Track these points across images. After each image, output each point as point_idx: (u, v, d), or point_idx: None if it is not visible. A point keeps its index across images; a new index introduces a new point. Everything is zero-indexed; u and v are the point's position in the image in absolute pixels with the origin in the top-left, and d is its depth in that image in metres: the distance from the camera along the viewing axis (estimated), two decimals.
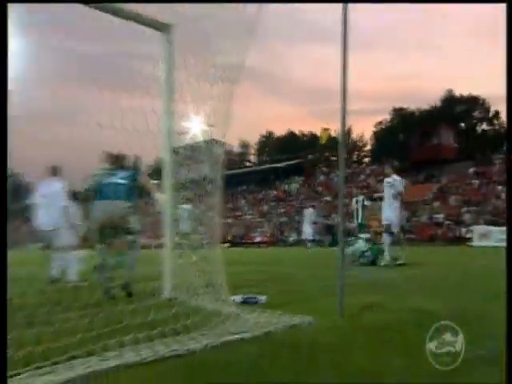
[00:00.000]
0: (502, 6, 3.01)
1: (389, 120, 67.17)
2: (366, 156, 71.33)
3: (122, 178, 5.66)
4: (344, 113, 3.98)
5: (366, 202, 16.08)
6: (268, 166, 58.67)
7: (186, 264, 5.14)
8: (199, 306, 4.46)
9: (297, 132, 76.77)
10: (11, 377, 2.53)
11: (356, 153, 70.93)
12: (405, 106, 65.40)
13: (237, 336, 3.32)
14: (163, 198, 5.42)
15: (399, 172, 13.00)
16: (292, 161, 54.77)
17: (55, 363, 2.78)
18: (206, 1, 4.09)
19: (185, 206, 5.86)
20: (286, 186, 51.33)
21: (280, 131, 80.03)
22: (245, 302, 4.83)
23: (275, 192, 50.51)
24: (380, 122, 68.61)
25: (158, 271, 5.36)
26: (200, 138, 5.84)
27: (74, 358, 2.87)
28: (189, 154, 5.83)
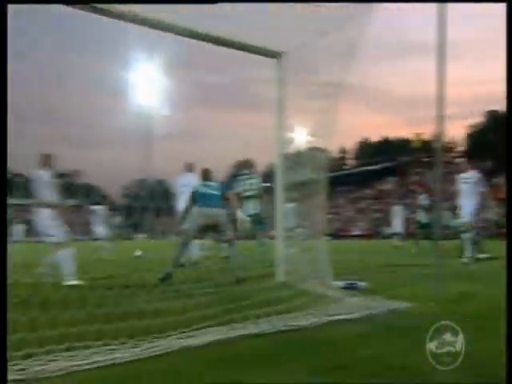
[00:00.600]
0: None
1: (480, 122, 61.05)
2: (458, 157, 65.61)
3: (215, 189, 5.91)
4: (441, 116, 3.73)
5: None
6: (365, 168, 56.84)
7: (295, 253, 5.18)
8: (308, 289, 4.46)
9: (390, 138, 73.19)
10: (166, 336, 2.74)
11: (448, 154, 65.60)
12: (497, 108, 58.87)
13: (342, 316, 3.27)
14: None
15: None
16: (386, 163, 52.50)
17: (195, 329, 2.97)
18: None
19: (290, 204, 5.93)
20: (381, 185, 49.42)
21: (375, 138, 77.05)
22: (346, 287, 4.72)
23: (371, 191, 48.97)
24: (471, 125, 62.67)
25: (271, 259, 5.45)
26: (304, 146, 5.88)
27: (209, 326, 3.04)
28: (295, 160, 5.88)
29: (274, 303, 3.55)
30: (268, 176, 8.10)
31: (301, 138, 5.90)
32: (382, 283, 5.21)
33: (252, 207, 8.09)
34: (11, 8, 2.60)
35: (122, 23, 4.13)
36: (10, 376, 2.19)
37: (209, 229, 5.86)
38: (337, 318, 3.24)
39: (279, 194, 5.52)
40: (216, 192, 5.96)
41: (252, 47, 5.11)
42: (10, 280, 2.51)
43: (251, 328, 3.04)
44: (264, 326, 3.08)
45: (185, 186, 8.09)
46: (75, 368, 2.38)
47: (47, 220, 5.41)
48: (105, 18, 4.04)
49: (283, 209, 5.56)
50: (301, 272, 4.91)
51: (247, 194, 8.16)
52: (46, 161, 5.81)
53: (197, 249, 8.31)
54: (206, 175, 6.29)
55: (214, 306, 3.42)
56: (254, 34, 4.75)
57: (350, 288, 4.71)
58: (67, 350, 2.55)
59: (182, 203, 8.02)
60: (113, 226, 17.13)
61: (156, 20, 4.23)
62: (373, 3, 4.01)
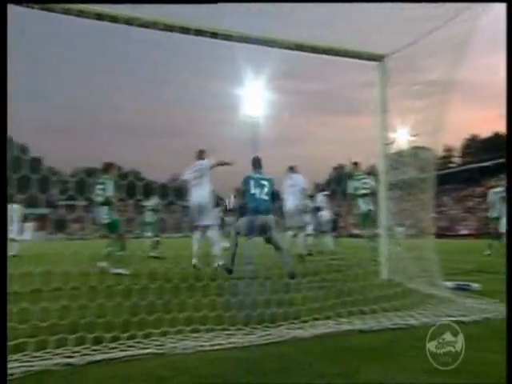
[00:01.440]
0: None
1: None
2: None
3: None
4: None
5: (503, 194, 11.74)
6: (474, 165, 51.18)
7: (399, 251, 4.88)
8: (414, 288, 4.16)
9: (501, 133, 64.75)
10: (277, 327, 2.79)
11: None
12: None
13: (454, 318, 2.97)
14: None
15: None
16: (498, 160, 46.50)
17: (304, 321, 2.97)
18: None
19: (390, 202, 5.63)
20: (493, 182, 43.90)
21: (485, 133, 68.96)
22: (457, 288, 4.29)
23: (480, 189, 43.91)
24: None
25: (375, 256, 5.20)
26: (407, 145, 5.53)
27: (316, 319, 3.02)
28: (398, 159, 5.56)
29: (381, 301, 3.38)
30: (372, 176, 7.91)
31: (403, 137, 5.57)
32: (496, 285, 4.63)
33: (365, 205, 8.01)
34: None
35: (228, 43, 4.28)
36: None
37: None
38: (448, 319, 2.96)
39: (382, 192, 5.26)
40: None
41: (354, 52, 4.95)
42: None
43: (357, 324, 2.93)
44: (371, 322, 2.95)
45: (293, 186, 8.32)
46: (199, 348, 2.55)
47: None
48: (215, 41, 4.22)
49: (386, 207, 5.28)
50: (406, 271, 4.60)
51: (361, 192, 8.10)
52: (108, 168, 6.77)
53: (302, 244, 8.36)
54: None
55: (320, 301, 3.38)
56: (351, 39, 4.59)
57: (461, 289, 4.28)
58: (194, 331, 2.75)
59: (290, 202, 8.25)
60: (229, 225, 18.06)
61: (262, 37, 4.34)
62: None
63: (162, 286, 3.42)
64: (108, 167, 6.83)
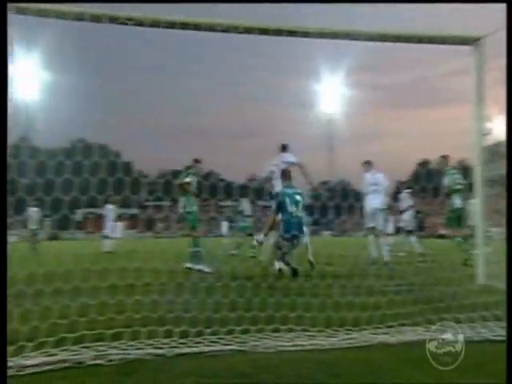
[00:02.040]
0: None
1: None
2: None
3: None
4: None
5: None
6: None
7: (493, 253, 4.43)
8: None
9: None
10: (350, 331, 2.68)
11: None
12: None
13: None
14: None
15: None
16: None
17: (389, 327, 2.83)
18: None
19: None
20: None
21: None
22: None
23: None
24: None
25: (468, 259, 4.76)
26: (503, 137, 4.98)
27: (403, 325, 2.85)
28: (495, 152, 5.03)
29: (479, 308, 3.08)
30: (465, 171, 7.34)
31: (501, 127, 5.01)
32: None
33: (458, 202, 7.47)
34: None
35: (306, 41, 4.24)
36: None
37: None
38: None
39: (478, 189, 4.78)
40: None
41: (445, 38, 4.56)
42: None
43: (451, 333, 2.70)
44: (469, 332, 2.70)
45: (374, 184, 7.95)
46: (280, 348, 2.56)
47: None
48: (294, 39, 4.20)
49: (481, 205, 4.80)
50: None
51: (454, 188, 7.58)
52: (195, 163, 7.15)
53: (387, 247, 7.97)
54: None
55: (408, 306, 3.18)
56: (440, 23, 4.25)
57: None
58: (275, 331, 2.76)
59: (372, 202, 7.88)
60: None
61: (344, 31, 4.21)
62: None
63: (243, 284, 3.50)
64: (194, 163, 7.22)
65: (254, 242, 6.56)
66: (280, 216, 5.81)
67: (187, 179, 6.90)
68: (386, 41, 4.32)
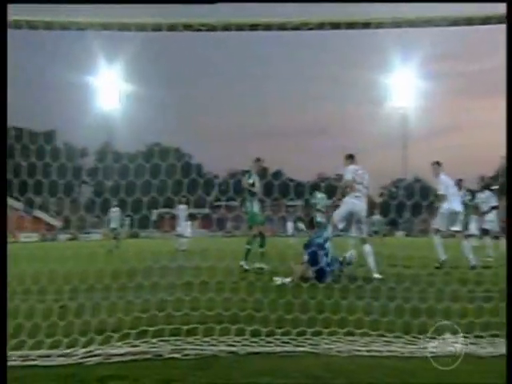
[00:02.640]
0: None
1: None
2: None
3: None
4: None
5: None
6: None
7: None
8: None
9: None
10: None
11: None
12: None
13: None
14: None
15: None
16: None
17: (478, 337, 2.60)
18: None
19: None
20: None
21: None
22: None
23: None
24: None
25: None
26: None
27: (496, 336, 2.61)
28: None
29: None
30: None
31: None
32: None
33: None
34: None
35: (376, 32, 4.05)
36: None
37: None
38: None
39: None
40: None
41: None
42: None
43: None
44: None
45: (450, 187, 7.63)
46: (355, 352, 2.47)
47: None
48: (363, 31, 4.04)
49: None
50: None
51: None
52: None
53: (467, 248, 7.40)
54: None
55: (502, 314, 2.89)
56: None
57: None
58: (348, 334, 2.68)
59: (452, 204, 7.42)
60: (374, 224, 17.36)
61: (418, 18, 3.96)
62: None
63: (314, 285, 3.45)
64: (255, 162, 7.63)
65: None
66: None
67: (250, 180, 7.31)
68: (472, 24, 3.98)
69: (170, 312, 2.94)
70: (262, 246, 7.31)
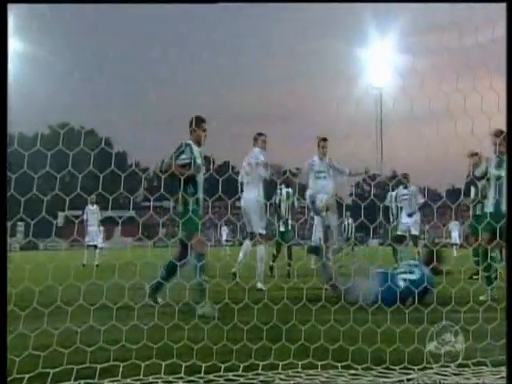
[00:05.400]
0: None
1: None
2: None
3: None
4: None
5: None
6: None
7: None
8: None
9: None
10: None
11: None
12: None
13: None
14: None
15: None
16: None
17: None
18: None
19: None
20: None
21: None
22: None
23: None
24: None
25: None
26: None
27: None
28: None
29: None
30: None
31: None
32: None
33: None
34: None
35: None
36: None
37: None
38: None
39: None
40: None
41: None
42: None
43: None
44: None
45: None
46: None
47: None
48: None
49: None
50: None
51: None
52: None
53: None
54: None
55: None
56: None
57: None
58: None
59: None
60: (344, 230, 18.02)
61: None
62: None
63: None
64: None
65: None
66: None
67: (183, 157, 5.27)
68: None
69: (79, 346, 2.85)
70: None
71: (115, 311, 3.29)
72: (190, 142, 5.33)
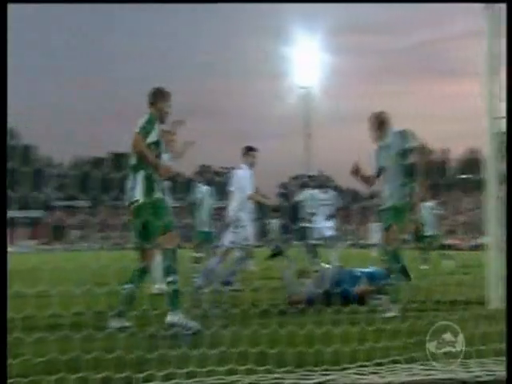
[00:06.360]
0: None
1: None
2: None
3: None
4: None
5: None
6: None
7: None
8: None
9: None
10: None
11: None
12: None
13: None
14: None
15: None
16: None
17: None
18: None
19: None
20: None
21: None
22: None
23: None
24: None
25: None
26: None
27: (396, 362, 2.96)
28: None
29: (489, 338, 3.24)
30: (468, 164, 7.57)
31: None
32: None
33: None
34: None
35: None
36: None
37: None
38: None
39: (491, 187, 4.98)
40: None
41: None
42: None
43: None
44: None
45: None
46: None
47: None
48: None
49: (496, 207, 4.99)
50: None
51: None
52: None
53: None
54: None
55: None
56: None
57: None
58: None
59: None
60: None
61: None
62: None
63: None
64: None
65: None
66: None
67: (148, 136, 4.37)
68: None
69: None
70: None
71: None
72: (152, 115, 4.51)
